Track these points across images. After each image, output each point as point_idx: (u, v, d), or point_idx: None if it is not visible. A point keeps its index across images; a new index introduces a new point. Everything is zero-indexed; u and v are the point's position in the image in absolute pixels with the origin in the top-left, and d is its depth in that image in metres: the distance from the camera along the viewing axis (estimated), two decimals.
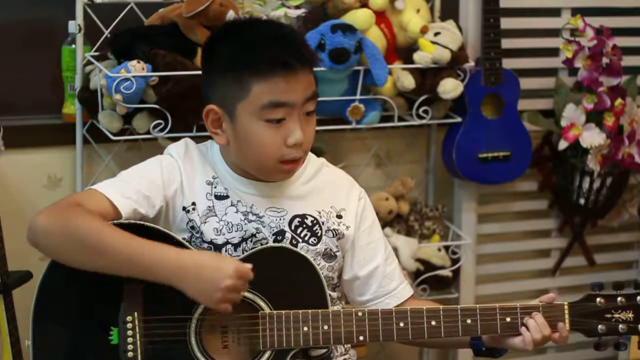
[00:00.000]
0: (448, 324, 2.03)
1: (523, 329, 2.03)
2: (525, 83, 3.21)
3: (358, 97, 2.89)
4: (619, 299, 2.06)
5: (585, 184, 3.22)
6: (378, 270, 2.18)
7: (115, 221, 1.98)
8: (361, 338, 2.00)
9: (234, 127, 2.02)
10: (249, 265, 1.91)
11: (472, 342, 2.10)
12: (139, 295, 1.94)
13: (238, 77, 1.99)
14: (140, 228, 1.99)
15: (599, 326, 2.05)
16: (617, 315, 2.06)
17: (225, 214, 2.07)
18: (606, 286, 2.08)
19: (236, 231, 2.07)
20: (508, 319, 2.04)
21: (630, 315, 2.06)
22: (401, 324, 2.01)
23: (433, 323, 2.02)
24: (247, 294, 1.98)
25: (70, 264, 1.94)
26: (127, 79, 2.57)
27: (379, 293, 2.18)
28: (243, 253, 2.05)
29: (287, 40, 2.02)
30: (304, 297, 2.01)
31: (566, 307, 2.06)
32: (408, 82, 2.93)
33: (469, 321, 2.03)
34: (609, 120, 3.11)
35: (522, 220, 3.44)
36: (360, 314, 2.00)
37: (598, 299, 2.06)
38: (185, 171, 2.09)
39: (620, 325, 2.05)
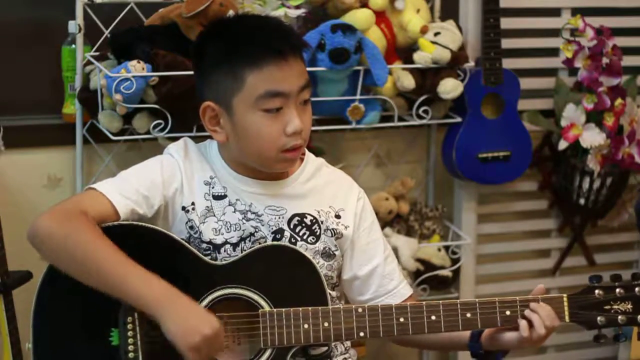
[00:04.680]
0: (448, 318, 2.02)
1: (523, 325, 2.02)
2: (525, 83, 3.21)
3: (358, 97, 2.89)
4: (617, 290, 2.06)
5: (585, 184, 3.23)
6: (377, 269, 2.18)
7: (116, 222, 1.99)
8: (361, 334, 2.00)
9: (232, 121, 2.02)
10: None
11: (470, 344, 2.11)
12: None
13: (231, 69, 1.99)
14: (139, 229, 2.00)
15: (598, 318, 2.05)
16: (616, 307, 2.06)
17: (224, 213, 2.07)
18: (605, 281, 2.09)
19: (235, 231, 2.07)
20: (508, 312, 2.04)
21: (629, 306, 2.06)
22: (401, 319, 2.01)
23: (433, 318, 2.02)
24: (246, 292, 1.99)
25: (65, 272, 1.94)
26: (127, 79, 2.57)
27: (378, 292, 2.18)
28: (242, 252, 2.05)
29: (276, 29, 2.04)
30: (303, 295, 2.01)
31: (565, 299, 2.06)
32: (408, 82, 2.93)
33: (468, 315, 2.03)
34: (609, 120, 3.11)
35: (522, 220, 3.44)
36: (360, 310, 2.00)
37: (597, 291, 2.06)
38: (185, 171, 2.09)
39: (620, 317, 2.06)
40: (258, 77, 1.97)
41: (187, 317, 1.87)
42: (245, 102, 1.99)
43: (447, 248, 3.20)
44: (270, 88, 1.98)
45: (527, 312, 2.04)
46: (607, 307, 2.06)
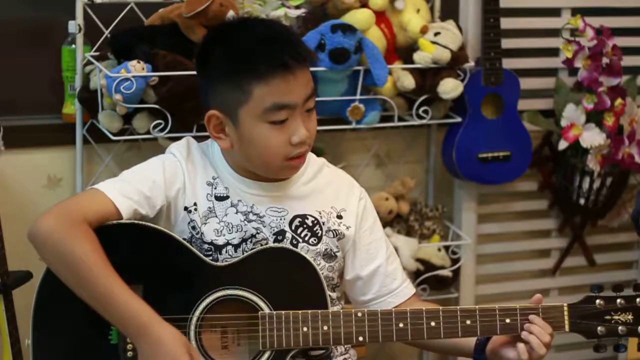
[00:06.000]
0: (447, 325, 2.02)
1: (522, 348, 2.01)
2: (525, 83, 3.21)
3: (358, 97, 2.89)
4: (618, 300, 2.06)
5: (585, 184, 3.23)
6: (380, 269, 2.18)
7: (116, 221, 1.98)
8: (360, 339, 2.00)
9: (237, 131, 2.02)
10: None
11: (475, 357, 2.10)
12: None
13: (238, 81, 1.98)
14: (141, 228, 2.00)
15: (599, 328, 2.04)
16: (616, 317, 2.05)
17: (226, 214, 2.07)
18: (606, 286, 2.08)
19: (236, 232, 2.07)
20: (507, 320, 2.04)
21: (630, 317, 2.06)
22: (400, 325, 2.01)
23: (432, 324, 2.02)
24: (246, 294, 1.99)
25: (56, 275, 1.94)
26: (127, 79, 2.57)
27: (381, 292, 2.18)
28: (243, 253, 2.05)
29: (282, 40, 2.02)
30: (303, 298, 2.01)
31: (566, 308, 2.06)
32: (408, 82, 2.93)
33: (468, 322, 2.03)
34: (609, 120, 3.11)
35: (522, 220, 3.44)
36: (359, 314, 2.00)
37: (598, 301, 2.06)
38: (188, 171, 2.09)
39: (620, 327, 2.05)
40: (265, 90, 1.97)
41: (153, 353, 1.87)
42: (251, 113, 1.99)
43: (447, 248, 3.20)
44: (277, 101, 1.97)
45: (524, 335, 2.02)
46: (608, 317, 2.05)
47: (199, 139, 2.19)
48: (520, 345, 2.02)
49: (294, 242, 2.09)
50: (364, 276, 2.18)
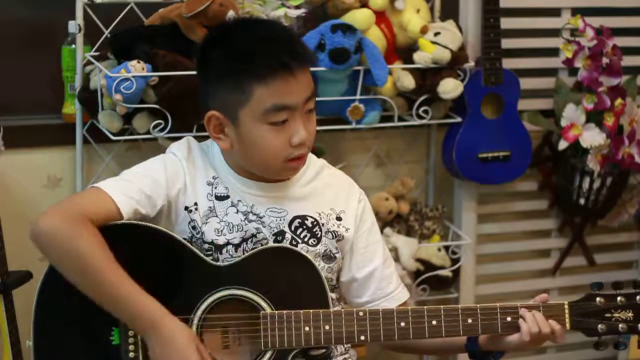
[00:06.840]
0: (449, 324, 2.03)
1: (521, 322, 2.04)
2: (525, 83, 3.21)
3: (358, 97, 2.89)
4: (618, 298, 2.07)
5: (585, 184, 3.23)
6: (376, 272, 2.18)
7: (118, 222, 1.98)
8: (362, 338, 2.01)
9: (237, 131, 2.02)
10: None
11: (467, 345, 2.11)
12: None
13: (238, 82, 1.98)
14: (142, 229, 2.00)
15: (599, 325, 2.06)
16: (616, 315, 2.07)
17: (226, 214, 2.07)
18: (606, 286, 2.09)
19: (237, 231, 2.07)
20: (508, 319, 2.05)
21: (630, 314, 2.07)
22: (402, 324, 2.02)
23: (434, 323, 2.02)
24: (248, 294, 1.98)
25: (63, 275, 1.93)
26: (127, 79, 2.57)
27: (376, 295, 2.18)
28: (244, 253, 2.05)
29: (282, 41, 2.02)
30: (305, 297, 2.01)
31: (566, 306, 2.07)
32: (408, 82, 2.93)
33: (469, 320, 2.03)
34: (609, 120, 3.11)
35: (522, 220, 3.44)
36: (361, 313, 2.01)
37: (598, 299, 2.07)
38: (189, 171, 2.09)
39: (620, 325, 2.06)
40: (265, 92, 1.97)
41: (165, 351, 1.88)
42: (251, 114, 1.99)
43: (447, 248, 3.20)
44: (277, 102, 1.97)
45: (521, 312, 2.05)
46: (608, 315, 2.07)
47: (199, 139, 2.19)
48: (524, 324, 2.03)
49: (293, 243, 2.09)
50: (360, 278, 2.18)
